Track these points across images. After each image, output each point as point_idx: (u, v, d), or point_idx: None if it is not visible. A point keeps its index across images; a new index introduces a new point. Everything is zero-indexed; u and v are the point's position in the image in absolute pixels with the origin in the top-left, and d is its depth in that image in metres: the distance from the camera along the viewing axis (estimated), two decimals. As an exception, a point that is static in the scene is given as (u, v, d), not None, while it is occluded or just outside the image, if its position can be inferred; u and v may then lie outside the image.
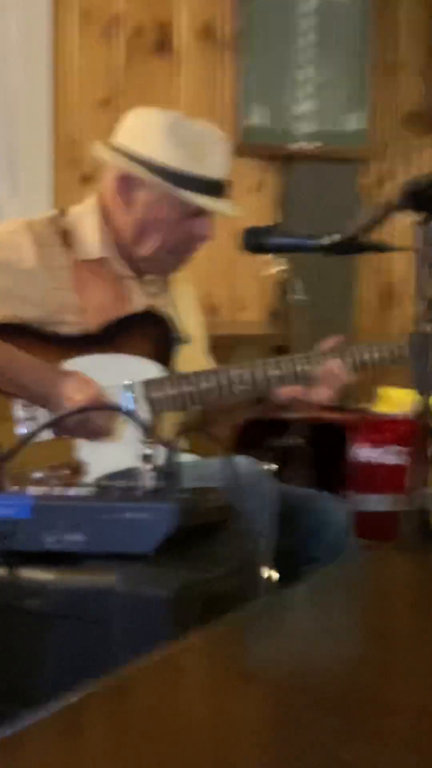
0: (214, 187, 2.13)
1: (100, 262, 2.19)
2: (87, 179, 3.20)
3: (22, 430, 2.11)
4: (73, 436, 2.10)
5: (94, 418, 2.03)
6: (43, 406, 2.10)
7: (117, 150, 2.16)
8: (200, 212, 2.14)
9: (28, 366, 2.08)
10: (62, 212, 2.23)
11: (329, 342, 2.18)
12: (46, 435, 2.09)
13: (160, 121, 2.14)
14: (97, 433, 2.09)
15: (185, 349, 2.22)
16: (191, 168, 2.10)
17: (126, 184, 2.15)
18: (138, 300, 2.21)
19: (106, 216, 2.20)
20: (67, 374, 2.08)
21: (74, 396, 2.05)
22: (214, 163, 2.12)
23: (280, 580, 2.14)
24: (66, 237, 2.18)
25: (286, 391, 2.20)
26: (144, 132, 2.13)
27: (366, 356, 2.14)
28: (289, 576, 2.13)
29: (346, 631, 1.07)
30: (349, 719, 0.80)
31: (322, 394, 2.13)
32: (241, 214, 2.19)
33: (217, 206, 2.13)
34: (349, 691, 0.87)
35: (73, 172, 3.18)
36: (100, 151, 2.21)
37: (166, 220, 2.14)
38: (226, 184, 2.15)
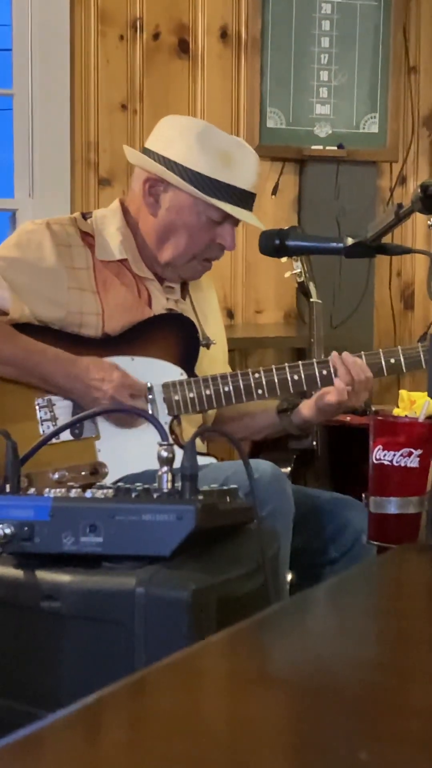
0: (241, 197, 2.13)
1: (121, 264, 2.20)
2: (104, 182, 3.21)
3: (42, 429, 2.12)
4: (96, 425, 2.11)
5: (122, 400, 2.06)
6: (68, 396, 2.11)
7: (147, 154, 2.17)
8: (225, 221, 2.15)
9: (50, 357, 2.09)
10: (85, 214, 2.24)
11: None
12: (65, 436, 2.11)
13: (191, 128, 2.15)
14: (123, 422, 2.11)
15: (206, 353, 2.22)
16: (219, 175, 2.11)
17: (154, 187, 2.16)
18: (159, 303, 2.22)
19: (129, 219, 2.22)
20: (91, 363, 2.09)
21: (102, 384, 2.07)
22: (243, 174, 2.13)
23: (299, 581, 2.14)
24: (87, 238, 2.19)
25: (304, 407, 2.19)
26: (175, 137, 2.14)
27: (385, 361, 2.13)
28: (308, 577, 2.13)
29: (364, 633, 1.07)
30: (367, 722, 0.80)
31: (342, 394, 2.12)
32: (264, 226, 2.19)
33: (243, 216, 2.13)
34: (368, 694, 0.87)
35: (90, 174, 3.20)
36: (130, 154, 2.22)
37: (191, 226, 2.15)
38: (253, 195, 2.15)
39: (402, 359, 2.12)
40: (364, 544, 1.55)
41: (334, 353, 2.14)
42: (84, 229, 2.20)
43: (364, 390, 2.14)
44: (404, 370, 2.15)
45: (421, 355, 2.11)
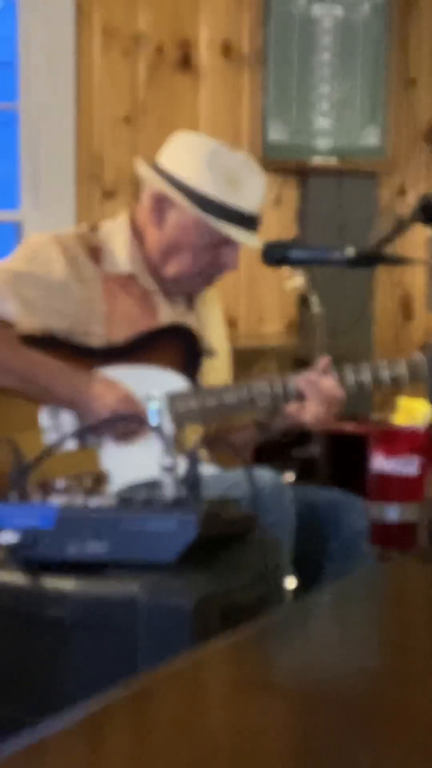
0: (244, 219, 2.14)
1: (128, 277, 2.21)
2: (108, 194, 3.22)
3: (47, 438, 2.13)
4: (100, 437, 2.12)
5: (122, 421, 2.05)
6: (70, 409, 2.12)
7: (156, 169, 2.18)
8: (228, 241, 2.16)
9: (53, 370, 2.10)
10: (93, 228, 2.25)
11: (320, 363, 2.16)
12: (71, 444, 2.11)
13: (200, 147, 2.16)
14: (125, 436, 2.11)
15: (209, 364, 2.23)
16: (224, 197, 2.12)
17: (160, 203, 2.17)
18: (165, 314, 2.23)
19: (137, 232, 2.23)
20: (93, 377, 2.10)
21: (103, 398, 2.08)
22: (248, 196, 2.14)
23: (298, 584, 2.15)
24: (94, 252, 2.20)
25: (280, 422, 2.19)
26: (184, 155, 2.15)
27: (371, 376, 2.11)
28: (307, 580, 2.14)
29: (365, 641, 1.08)
30: (368, 729, 0.81)
31: (317, 416, 2.11)
32: (266, 239, 2.20)
33: (245, 238, 2.14)
34: (369, 702, 0.88)
35: (94, 187, 3.21)
36: (140, 168, 2.23)
37: (194, 245, 2.16)
38: (257, 217, 2.16)
39: (407, 372, 2.11)
40: (364, 549, 1.55)
41: (300, 378, 2.12)
42: (91, 242, 2.21)
43: (335, 407, 2.13)
44: (408, 382, 2.14)
45: (401, 371, 2.09)
